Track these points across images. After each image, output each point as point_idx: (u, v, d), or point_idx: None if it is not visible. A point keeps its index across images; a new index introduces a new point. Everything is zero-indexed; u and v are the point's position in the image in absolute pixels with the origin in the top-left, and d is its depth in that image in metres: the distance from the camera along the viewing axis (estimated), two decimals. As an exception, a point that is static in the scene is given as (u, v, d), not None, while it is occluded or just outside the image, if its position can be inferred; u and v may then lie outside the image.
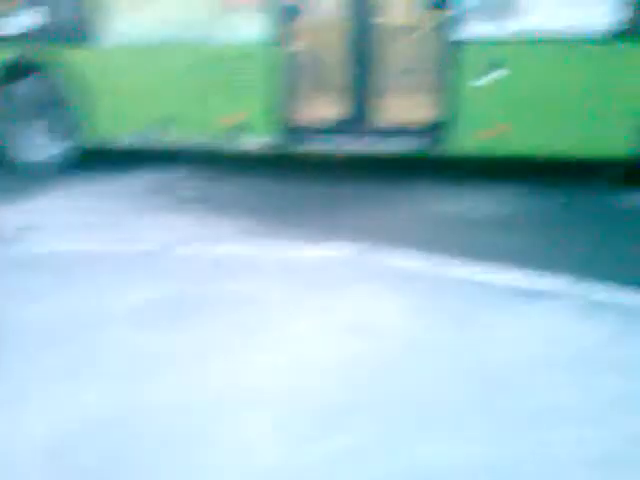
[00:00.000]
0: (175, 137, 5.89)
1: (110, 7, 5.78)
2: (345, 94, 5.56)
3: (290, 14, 5.44)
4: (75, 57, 5.91)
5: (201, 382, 2.57)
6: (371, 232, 4.35)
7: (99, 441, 2.22)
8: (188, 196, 5.33)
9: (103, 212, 4.93)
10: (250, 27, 5.48)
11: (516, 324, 3.04)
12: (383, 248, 3.96)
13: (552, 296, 3.30)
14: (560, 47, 5.05)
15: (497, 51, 5.14)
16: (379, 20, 5.39)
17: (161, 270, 3.73)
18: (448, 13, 5.15)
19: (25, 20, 5.95)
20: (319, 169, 6.08)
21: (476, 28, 5.12)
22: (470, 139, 5.32)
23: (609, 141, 5.14)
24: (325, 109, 5.66)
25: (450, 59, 5.21)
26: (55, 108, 6.15)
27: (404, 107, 5.52)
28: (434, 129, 5.40)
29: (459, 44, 5.17)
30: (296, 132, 5.64)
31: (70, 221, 4.72)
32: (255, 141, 5.73)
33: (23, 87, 6.19)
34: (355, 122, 5.56)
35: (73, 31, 5.88)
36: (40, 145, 6.30)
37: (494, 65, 5.14)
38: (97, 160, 6.21)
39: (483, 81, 5.18)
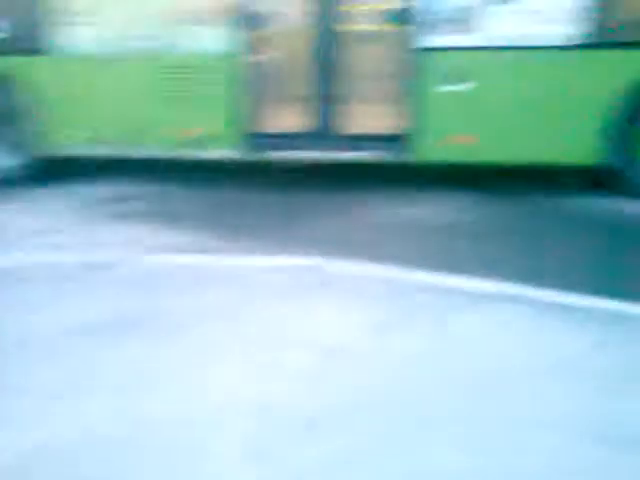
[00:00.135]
0: (135, 148, 5.76)
1: (66, 17, 5.65)
2: (310, 103, 5.45)
3: (252, 23, 5.34)
4: (31, 68, 5.78)
5: (170, 398, 2.43)
6: (329, 241, 4.26)
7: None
8: (144, 208, 5.20)
9: (57, 223, 4.78)
10: (211, 37, 5.38)
11: (479, 329, 2.96)
12: (341, 257, 3.84)
13: (510, 300, 3.23)
14: (524, 57, 5.00)
15: (462, 60, 5.08)
16: (344, 28, 5.29)
17: (113, 283, 3.57)
18: (413, 22, 5.07)
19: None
20: (282, 178, 5.96)
21: (441, 37, 5.05)
22: (436, 147, 5.24)
23: (575, 149, 5.08)
24: (290, 118, 5.55)
25: (415, 68, 5.13)
26: (12, 119, 6.00)
27: (370, 115, 5.42)
28: (400, 137, 5.30)
29: (424, 53, 5.09)
30: (260, 142, 5.53)
31: (23, 232, 4.59)
32: (218, 152, 5.61)
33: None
34: (320, 131, 5.45)
35: (30, 42, 5.75)
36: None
37: (459, 74, 5.07)
38: (53, 171, 6.09)
39: (449, 90, 5.10)
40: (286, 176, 6.03)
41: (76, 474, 2.04)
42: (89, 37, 5.62)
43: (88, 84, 5.67)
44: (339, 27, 5.27)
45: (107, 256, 3.99)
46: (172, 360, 2.71)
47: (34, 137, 5.93)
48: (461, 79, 5.08)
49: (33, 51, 5.76)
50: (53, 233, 4.54)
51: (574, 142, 5.06)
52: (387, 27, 5.23)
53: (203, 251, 4.07)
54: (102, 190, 5.73)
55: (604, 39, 4.85)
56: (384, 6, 5.23)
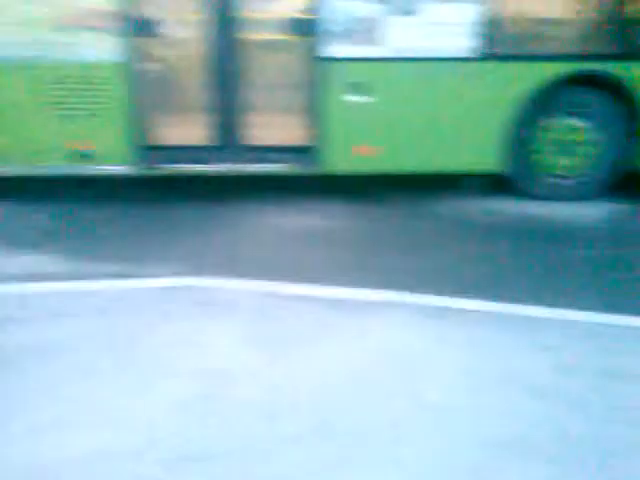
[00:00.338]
0: (24, 165, 5.26)
1: None
2: (211, 114, 5.20)
3: (144, 30, 4.97)
4: None
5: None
6: (209, 257, 4.16)
7: None
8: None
9: None
10: (99, 45, 4.94)
11: (364, 338, 3.02)
12: (219, 274, 3.75)
13: (389, 307, 3.32)
14: (425, 68, 5.09)
15: (365, 71, 5.07)
16: (246, 37, 5.07)
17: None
18: (317, 32, 4.97)
19: None
20: (179, 191, 5.68)
21: (344, 48, 5.00)
22: (343, 158, 5.23)
23: (477, 158, 5.27)
24: (191, 130, 5.27)
25: (319, 78, 5.05)
26: None
27: (275, 127, 5.29)
28: (307, 149, 5.22)
29: (328, 63, 5.02)
30: (158, 155, 5.22)
31: None
32: (111, 167, 5.23)
33: None
34: (223, 143, 5.23)
35: None
36: None
37: (362, 85, 5.06)
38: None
39: (353, 100, 5.09)
40: (185, 189, 5.75)
41: None
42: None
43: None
44: (240, 35, 5.05)
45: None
46: (36, 391, 2.58)
47: None
48: (365, 90, 5.08)
49: None
50: None
51: (475, 151, 5.26)
52: (291, 36, 5.09)
53: (69, 276, 3.80)
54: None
55: (501, 52, 5.05)
56: (288, 15, 5.08)
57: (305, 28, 5.00)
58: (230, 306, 3.36)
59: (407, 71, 5.08)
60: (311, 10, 4.97)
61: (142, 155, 5.19)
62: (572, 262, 4.13)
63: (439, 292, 3.51)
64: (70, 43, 4.94)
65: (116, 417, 2.43)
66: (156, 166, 5.26)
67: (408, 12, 4.93)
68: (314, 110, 5.13)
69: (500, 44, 5.04)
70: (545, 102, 5.16)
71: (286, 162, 5.27)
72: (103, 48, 4.94)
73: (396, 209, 5.23)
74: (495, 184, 5.57)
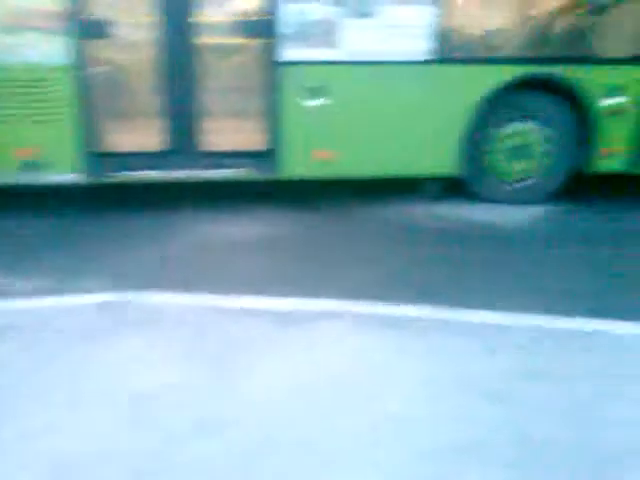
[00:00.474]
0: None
1: None
2: (165, 119, 5.05)
3: (93, 32, 4.78)
4: None
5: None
6: (145, 270, 4.00)
7: None
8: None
9: None
10: (45, 46, 4.72)
11: (306, 350, 2.94)
12: (158, 287, 3.59)
13: (336, 317, 3.24)
14: (381, 72, 5.08)
15: (321, 74, 5.02)
16: (200, 40, 4.94)
17: None
18: (273, 35, 4.89)
19: None
20: (127, 200, 5.49)
21: (300, 51, 4.94)
22: (301, 163, 5.15)
23: (435, 161, 5.27)
24: (144, 136, 5.09)
25: (276, 82, 4.97)
26: None
27: (233, 132, 5.17)
28: (265, 154, 5.13)
29: (284, 66, 4.94)
30: (110, 162, 5.02)
31: None
32: (60, 175, 5.00)
33: None
34: (179, 149, 5.08)
35: None
36: None
37: (319, 88, 5.01)
38: None
39: (309, 104, 5.03)
40: (141, 197, 5.55)
41: None
42: None
43: None
44: (196, 38, 4.92)
45: None
46: None
47: None
48: (322, 93, 5.03)
49: None
50: None
51: (433, 155, 5.27)
52: (247, 40, 4.99)
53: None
54: None
55: (455, 55, 5.09)
56: (244, 18, 4.98)
57: (262, 31, 4.92)
58: (171, 322, 3.19)
59: (364, 74, 5.06)
60: (268, 13, 4.89)
61: (93, 163, 4.99)
62: (517, 265, 4.17)
63: (387, 300, 3.44)
64: (15, 44, 4.69)
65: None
66: (108, 174, 5.06)
67: (365, 15, 4.92)
68: (272, 114, 5.04)
69: (454, 47, 5.09)
70: (499, 106, 5.22)
71: (243, 168, 5.16)
72: (50, 50, 4.72)
73: (347, 215, 5.19)
74: (454, 188, 5.59)
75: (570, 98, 5.23)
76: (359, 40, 4.96)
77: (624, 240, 4.68)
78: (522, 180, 5.50)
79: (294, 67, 4.95)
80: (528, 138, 5.39)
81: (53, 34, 4.71)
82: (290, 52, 4.92)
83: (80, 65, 4.77)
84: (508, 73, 5.11)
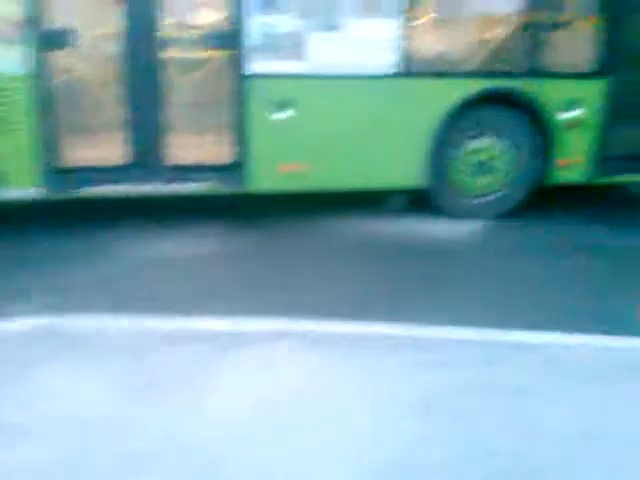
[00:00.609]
0: None
1: None
2: (129, 133, 4.91)
3: (53, 42, 4.62)
4: None
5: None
6: (80, 292, 3.84)
7: None
8: None
9: None
10: (4, 56, 4.55)
11: (249, 373, 2.88)
12: (89, 311, 3.45)
13: (273, 338, 3.18)
14: (348, 85, 5.10)
15: (288, 87, 5.00)
16: (165, 52, 4.85)
17: None
18: (238, 48, 4.85)
19: None
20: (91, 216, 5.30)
21: (266, 64, 4.91)
22: (269, 176, 5.10)
23: (402, 173, 5.29)
24: (107, 150, 4.94)
25: (242, 95, 4.92)
26: None
27: (198, 145, 5.09)
28: (232, 167, 5.05)
29: (250, 79, 4.90)
30: (71, 177, 4.85)
31: None
32: (18, 191, 4.79)
33: None
34: (143, 163, 4.95)
35: None
36: None
37: (286, 101, 4.98)
38: None
39: (277, 117, 4.99)
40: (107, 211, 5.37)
41: None
42: None
43: None
44: (161, 50, 4.82)
45: None
46: None
47: None
48: (288, 106, 5.00)
49: None
50: None
51: (400, 167, 5.29)
52: (213, 52, 4.94)
53: None
54: None
55: (418, 69, 5.14)
56: (209, 31, 4.93)
57: (228, 44, 4.87)
58: (100, 348, 3.06)
59: (330, 87, 5.07)
60: (234, 26, 4.85)
61: (53, 177, 4.81)
62: (465, 279, 4.25)
63: (325, 317, 3.41)
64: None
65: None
66: (69, 189, 4.89)
67: (331, 28, 4.95)
68: (238, 127, 4.98)
69: (418, 61, 5.15)
70: (462, 120, 5.30)
71: (209, 181, 5.06)
72: (9, 59, 4.55)
73: (305, 230, 5.15)
74: (419, 201, 5.61)
75: (530, 112, 5.35)
76: (326, 53, 4.98)
77: (580, 253, 4.78)
78: (485, 195, 5.57)
79: (260, 80, 4.91)
80: (490, 153, 5.47)
81: (12, 43, 4.56)
82: (256, 65, 4.89)
83: (41, 75, 4.62)
84: (472, 87, 5.20)
